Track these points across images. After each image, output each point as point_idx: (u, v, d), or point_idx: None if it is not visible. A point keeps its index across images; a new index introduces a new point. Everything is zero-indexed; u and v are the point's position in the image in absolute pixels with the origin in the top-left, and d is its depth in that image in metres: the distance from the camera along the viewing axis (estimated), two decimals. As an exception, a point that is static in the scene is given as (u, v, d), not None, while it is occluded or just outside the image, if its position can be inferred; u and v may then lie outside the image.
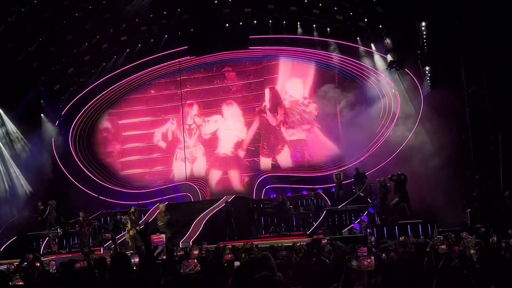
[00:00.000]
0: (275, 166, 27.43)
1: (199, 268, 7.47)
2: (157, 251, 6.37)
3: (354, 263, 5.95)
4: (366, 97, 25.48)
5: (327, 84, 26.63)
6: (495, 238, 10.85)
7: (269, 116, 27.61)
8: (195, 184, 27.54)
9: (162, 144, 29.19)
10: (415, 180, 21.84)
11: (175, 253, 10.98)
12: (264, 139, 27.72)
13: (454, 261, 8.30)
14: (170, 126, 29.14)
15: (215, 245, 16.00)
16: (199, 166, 28.42)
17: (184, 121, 28.82)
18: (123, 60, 28.09)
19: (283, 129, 27.50)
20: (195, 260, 7.58)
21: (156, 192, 27.58)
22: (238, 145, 28.23)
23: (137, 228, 21.33)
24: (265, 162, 27.63)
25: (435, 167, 22.15)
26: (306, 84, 27.43)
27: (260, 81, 28.14)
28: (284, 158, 27.49)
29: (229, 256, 9.66)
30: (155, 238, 7.36)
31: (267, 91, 27.69)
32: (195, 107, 28.84)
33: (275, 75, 27.93)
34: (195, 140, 28.68)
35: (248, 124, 28.18)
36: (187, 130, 28.79)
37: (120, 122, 29.70)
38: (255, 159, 27.83)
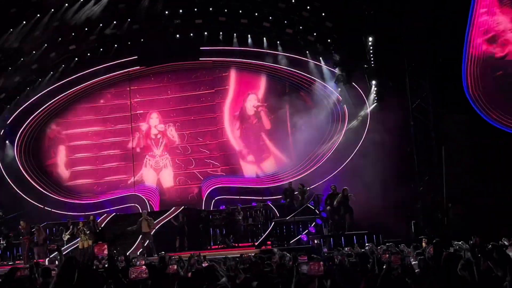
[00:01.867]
0: (257, 174, 27.50)
1: (146, 275, 7.50)
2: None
3: (305, 268, 6.14)
4: (316, 110, 25.87)
5: (277, 96, 27.04)
6: (431, 249, 11.15)
7: (263, 120, 27.60)
8: (143, 195, 27.32)
9: (115, 153, 28.87)
10: (363, 192, 22.28)
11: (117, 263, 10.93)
12: (247, 147, 27.74)
13: (395, 270, 8.55)
14: (125, 135, 28.82)
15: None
16: (166, 176, 28.34)
17: (149, 131, 28.56)
18: (71, 69, 27.66)
19: (267, 136, 27.55)
20: (143, 267, 7.61)
21: (104, 203, 27.26)
22: (191, 156, 28.25)
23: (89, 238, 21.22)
24: (249, 169, 27.68)
25: (382, 179, 22.63)
26: (256, 96, 27.66)
27: (211, 92, 28.25)
28: (268, 166, 27.57)
29: (174, 267, 9.66)
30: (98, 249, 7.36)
31: (250, 98, 27.77)
32: (154, 115, 28.65)
33: (227, 87, 28.11)
34: (162, 149, 28.48)
35: (203, 134, 28.18)
36: (153, 140, 28.53)
37: (69, 132, 29.28)
38: (215, 168, 27.89)
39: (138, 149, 28.66)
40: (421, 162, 22.06)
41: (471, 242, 14.07)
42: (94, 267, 14.29)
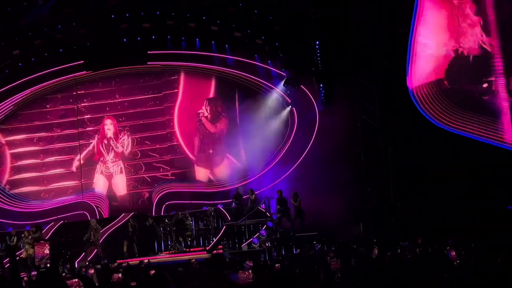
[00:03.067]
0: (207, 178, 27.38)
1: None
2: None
3: (235, 277, 6.19)
4: (266, 113, 26.04)
5: (227, 99, 27.08)
6: (376, 250, 11.34)
7: (209, 125, 27.46)
8: (92, 202, 26.87)
9: (61, 160, 28.32)
10: (313, 193, 22.54)
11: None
12: (198, 151, 27.58)
13: (335, 274, 8.66)
14: (72, 140, 28.32)
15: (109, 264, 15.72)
16: (118, 183, 27.99)
17: (103, 136, 28.18)
18: (15, 74, 26.95)
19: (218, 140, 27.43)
20: (75, 280, 7.47)
21: (51, 211, 26.66)
22: (140, 160, 27.99)
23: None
24: (201, 174, 27.50)
25: (332, 181, 22.92)
26: (205, 101, 27.62)
27: (160, 96, 28.04)
28: (218, 170, 27.47)
29: (119, 275, 9.54)
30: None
31: (205, 102, 27.60)
32: (109, 121, 28.25)
33: (176, 90, 27.96)
34: (113, 155, 28.10)
35: (152, 138, 27.93)
36: (105, 146, 28.08)
37: (13, 138, 28.52)
38: (165, 173, 27.64)
39: (86, 156, 28.14)
40: (369, 163, 22.42)
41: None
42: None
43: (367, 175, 22.37)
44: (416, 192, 20.93)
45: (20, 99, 27.80)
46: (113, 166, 28.05)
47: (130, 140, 28.14)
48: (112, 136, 28.21)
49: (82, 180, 27.75)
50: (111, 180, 28.04)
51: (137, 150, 28.19)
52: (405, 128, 21.57)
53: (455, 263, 10.22)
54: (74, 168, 28.08)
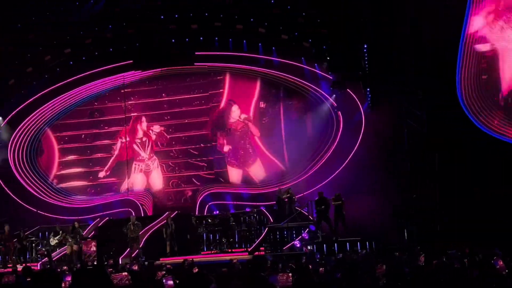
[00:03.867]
0: (248, 179, 27.45)
1: (128, 282, 7.46)
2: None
3: (273, 279, 6.19)
4: (310, 115, 25.99)
5: (272, 101, 27.14)
6: (422, 258, 11.15)
7: (253, 128, 27.61)
8: (137, 200, 27.24)
9: (107, 157, 28.85)
10: (356, 198, 22.34)
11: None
12: (236, 151, 27.72)
13: (382, 279, 8.55)
14: (116, 139, 28.81)
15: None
16: (155, 179, 28.35)
17: (135, 135, 28.56)
18: (66, 72, 27.58)
19: (259, 141, 27.51)
20: (125, 273, 7.58)
21: (97, 207, 27.16)
22: (184, 159, 28.26)
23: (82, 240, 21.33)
24: (235, 174, 27.69)
25: (377, 185, 22.69)
26: (251, 101, 27.69)
27: (205, 96, 28.27)
28: (257, 171, 27.53)
29: (163, 273, 9.64)
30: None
31: (234, 108, 27.80)
32: (143, 119, 28.67)
33: (221, 90, 28.15)
34: (149, 152, 28.44)
35: (196, 137, 28.19)
36: (139, 144, 28.52)
37: (60, 134, 29.21)
38: (209, 172, 27.91)
39: (130, 152, 28.59)
40: (415, 170, 22.07)
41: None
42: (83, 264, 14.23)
43: (412, 181, 22.02)
44: (462, 200, 20.52)
45: (70, 96, 28.41)
46: (150, 164, 28.37)
47: (168, 138, 28.52)
48: (147, 134, 28.54)
49: (125, 178, 28.22)
50: (149, 177, 28.39)
51: (181, 149, 28.46)
52: (453, 134, 21.20)
53: (504, 273, 9.97)
54: (118, 165, 28.52)
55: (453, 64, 21.33)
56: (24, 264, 20.09)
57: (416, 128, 22.22)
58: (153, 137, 28.58)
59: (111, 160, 28.78)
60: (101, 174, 28.78)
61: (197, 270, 10.37)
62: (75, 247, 21.91)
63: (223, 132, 27.80)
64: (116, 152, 28.77)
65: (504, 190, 19.67)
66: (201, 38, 26.55)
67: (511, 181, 19.76)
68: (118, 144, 28.72)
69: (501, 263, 10.35)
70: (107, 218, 25.60)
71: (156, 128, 28.57)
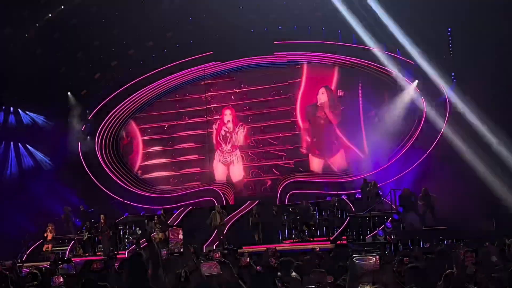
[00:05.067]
0: (328, 168, 27.33)
1: (217, 270, 7.52)
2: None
3: (361, 262, 6.13)
4: (391, 103, 25.32)
5: (350, 89, 26.75)
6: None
7: (331, 115, 27.42)
8: (219, 189, 27.60)
9: (189, 148, 29.39)
10: (442, 187, 21.72)
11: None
12: (317, 140, 27.64)
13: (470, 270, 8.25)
14: (200, 129, 29.31)
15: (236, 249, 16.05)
16: (235, 170, 28.70)
17: (221, 126, 28.96)
18: (149, 65, 28.28)
19: (337, 130, 27.32)
20: (214, 262, 7.67)
21: (180, 197, 27.73)
22: (263, 148, 28.42)
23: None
24: (316, 163, 27.65)
25: (462, 173, 21.96)
26: (330, 88, 27.44)
27: (284, 85, 28.21)
28: (339, 161, 27.35)
29: (247, 260, 9.73)
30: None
31: (322, 91, 27.59)
32: (228, 111, 29.01)
33: (299, 79, 28.00)
34: (231, 146, 28.79)
35: (276, 127, 28.29)
36: (222, 136, 28.92)
37: (146, 126, 30.02)
38: (288, 161, 27.98)
39: (215, 143, 28.98)
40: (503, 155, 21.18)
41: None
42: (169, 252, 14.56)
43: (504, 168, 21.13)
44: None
45: (153, 89, 29.16)
46: (230, 156, 28.64)
47: (245, 130, 28.62)
48: (231, 126, 28.79)
49: (207, 168, 28.65)
50: (230, 168, 28.69)
51: (260, 139, 28.62)
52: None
53: None
54: (199, 155, 29.01)
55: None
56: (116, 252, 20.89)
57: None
58: (236, 134, 28.74)
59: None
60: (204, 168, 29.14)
61: (281, 258, 10.32)
62: (161, 235, 22.59)
63: (312, 116, 27.53)
64: (206, 143, 29.11)
65: None
66: (280, 27, 26.48)
67: None
68: (206, 135, 29.05)
69: None
70: (191, 207, 26.12)
71: (240, 131, 28.73)
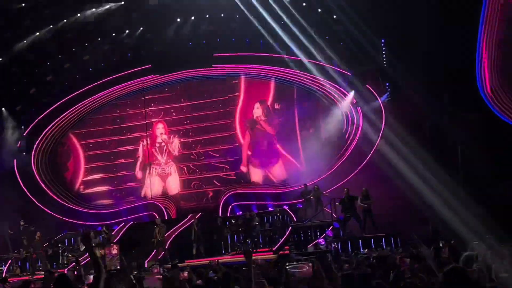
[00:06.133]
0: (268, 179, 27.51)
1: (159, 284, 7.53)
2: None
3: (294, 270, 6.30)
4: (328, 113, 25.83)
5: (287, 100, 27.18)
6: (447, 251, 11.05)
7: (268, 127, 27.72)
8: (160, 203, 27.40)
9: (130, 162, 29.10)
10: (382, 193, 22.22)
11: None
12: (256, 152, 27.89)
13: (407, 273, 8.50)
14: (138, 143, 29.07)
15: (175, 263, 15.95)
16: (172, 183, 28.54)
17: (154, 139, 28.76)
18: (85, 79, 27.84)
19: (276, 142, 27.62)
20: (156, 277, 7.68)
21: (121, 212, 27.38)
22: (205, 161, 28.42)
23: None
24: (257, 175, 27.80)
25: (400, 180, 22.50)
26: (265, 101, 27.81)
27: (224, 99, 28.38)
28: (278, 171, 27.58)
29: (185, 274, 9.72)
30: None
31: (256, 105, 27.90)
32: (160, 125, 28.88)
33: (237, 93, 28.31)
34: (166, 157, 28.62)
35: (216, 140, 28.37)
36: (157, 148, 28.73)
37: (84, 142, 29.55)
38: (229, 173, 28.08)
39: (149, 157, 28.81)
40: (437, 163, 21.84)
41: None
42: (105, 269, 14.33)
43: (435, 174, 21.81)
44: (485, 192, 20.29)
45: (90, 104, 28.71)
46: (167, 167, 28.54)
47: (179, 142, 28.67)
48: (165, 138, 28.69)
49: (145, 182, 28.43)
50: (167, 180, 28.59)
51: (201, 151, 28.61)
52: (476, 126, 20.97)
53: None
54: (140, 171, 28.77)
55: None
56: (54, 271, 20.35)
57: (437, 120, 22.00)
58: (171, 145, 28.67)
59: (138, 164, 28.94)
60: (138, 173, 28.94)
61: (223, 271, 10.33)
62: (102, 251, 22.15)
63: (251, 130, 27.78)
64: (140, 157, 28.92)
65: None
66: (218, 40, 26.60)
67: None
68: (140, 148, 28.94)
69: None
70: (132, 222, 25.83)
71: (175, 141, 28.65)
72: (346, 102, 25.56)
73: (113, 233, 24.68)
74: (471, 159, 20.89)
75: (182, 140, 28.74)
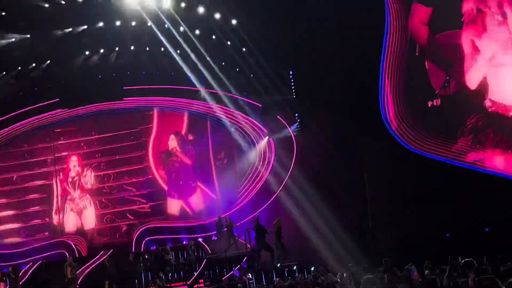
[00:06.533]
0: (185, 211, 27.22)
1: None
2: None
3: None
4: (240, 144, 26.08)
5: (201, 131, 27.30)
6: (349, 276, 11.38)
7: (184, 158, 27.53)
8: (71, 240, 26.53)
9: (39, 198, 28.08)
10: (294, 221, 22.56)
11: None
12: (173, 183, 27.60)
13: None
14: (50, 178, 28.05)
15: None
16: (88, 218, 27.82)
17: (67, 173, 27.98)
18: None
19: (192, 173, 27.45)
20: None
21: (29, 251, 26.24)
22: (118, 194, 27.88)
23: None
24: (173, 206, 27.47)
25: (311, 208, 22.93)
26: (180, 133, 27.67)
27: (136, 131, 28.08)
28: (195, 202, 27.37)
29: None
30: None
31: (171, 137, 27.66)
32: (74, 158, 28.15)
33: (150, 125, 28.06)
34: (80, 191, 27.90)
35: (129, 172, 27.87)
36: (70, 183, 27.93)
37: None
38: (143, 206, 27.61)
39: (61, 192, 27.92)
40: (346, 190, 22.46)
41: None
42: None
43: (344, 201, 22.41)
44: (394, 219, 21.01)
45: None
46: (81, 202, 27.86)
47: (93, 175, 28.07)
48: (78, 172, 28.06)
49: (59, 218, 27.50)
50: (82, 215, 27.88)
51: (114, 185, 28.07)
52: (382, 155, 21.74)
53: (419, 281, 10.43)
54: (50, 206, 27.87)
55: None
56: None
57: (345, 148, 22.66)
58: (84, 178, 28.02)
59: (52, 200, 27.96)
60: (48, 210, 27.92)
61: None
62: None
63: (165, 162, 27.57)
64: (53, 192, 27.98)
65: (436, 207, 20.24)
66: (128, 73, 26.41)
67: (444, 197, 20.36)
68: (54, 184, 27.93)
69: (416, 273, 10.88)
70: (40, 261, 24.83)
71: (88, 173, 28.03)
72: (258, 133, 25.92)
73: (20, 274, 23.58)
74: (378, 187, 21.61)
75: (94, 173, 28.11)
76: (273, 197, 25.00)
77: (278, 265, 21.36)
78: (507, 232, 18.75)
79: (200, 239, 25.03)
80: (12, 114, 26.91)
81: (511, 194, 19.01)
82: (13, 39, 23.90)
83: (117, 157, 28.05)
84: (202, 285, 21.19)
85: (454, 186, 20.21)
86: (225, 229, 23.87)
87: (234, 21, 24.14)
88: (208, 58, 24.94)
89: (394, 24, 21.94)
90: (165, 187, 27.76)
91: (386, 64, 22.16)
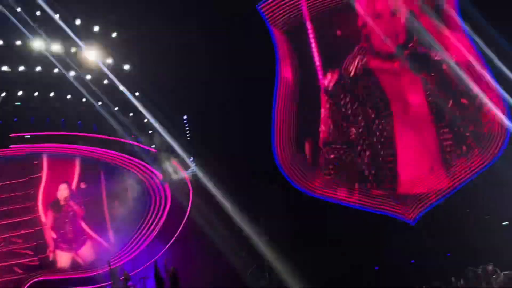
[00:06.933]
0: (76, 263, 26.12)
1: None
2: None
3: None
4: (134, 190, 25.67)
5: (94, 178, 26.51)
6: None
7: (74, 207, 26.43)
8: None
9: None
10: (194, 266, 22.37)
11: None
12: (63, 234, 26.35)
13: None
14: None
15: None
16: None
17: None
18: None
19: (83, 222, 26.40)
20: None
21: None
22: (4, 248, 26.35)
23: None
24: (64, 259, 26.18)
25: (210, 252, 22.84)
26: (71, 182, 26.83)
27: (24, 181, 26.80)
28: (87, 253, 26.31)
29: None
30: None
31: (62, 187, 26.59)
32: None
33: (39, 174, 26.83)
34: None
35: (16, 225, 26.27)
36: None
37: None
38: (32, 259, 26.04)
39: None
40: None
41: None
42: None
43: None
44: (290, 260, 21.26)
45: None
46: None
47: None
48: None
49: None
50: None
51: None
52: (276, 197, 22.08)
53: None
54: None
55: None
56: None
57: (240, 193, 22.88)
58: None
59: None
60: None
61: None
62: None
63: (55, 213, 26.52)
64: None
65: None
66: (15, 119, 25.38)
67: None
68: None
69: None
70: None
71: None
72: (153, 178, 25.63)
73: None
74: (274, 230, 21.87)
75: (-22, 227, 26.49)
76: (169, 243, 24.68)
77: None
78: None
79: (93, 291, 24.11)
80: None
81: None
82: None
83: (4, 208, 26.49)
84: None
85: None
86: (121, 278, 23.19)
87: (126, 66, 24.01)
88: (99, 103, 24.54)
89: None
90: (54, 238, 26.56)
91: (278, 105, 22.68)
